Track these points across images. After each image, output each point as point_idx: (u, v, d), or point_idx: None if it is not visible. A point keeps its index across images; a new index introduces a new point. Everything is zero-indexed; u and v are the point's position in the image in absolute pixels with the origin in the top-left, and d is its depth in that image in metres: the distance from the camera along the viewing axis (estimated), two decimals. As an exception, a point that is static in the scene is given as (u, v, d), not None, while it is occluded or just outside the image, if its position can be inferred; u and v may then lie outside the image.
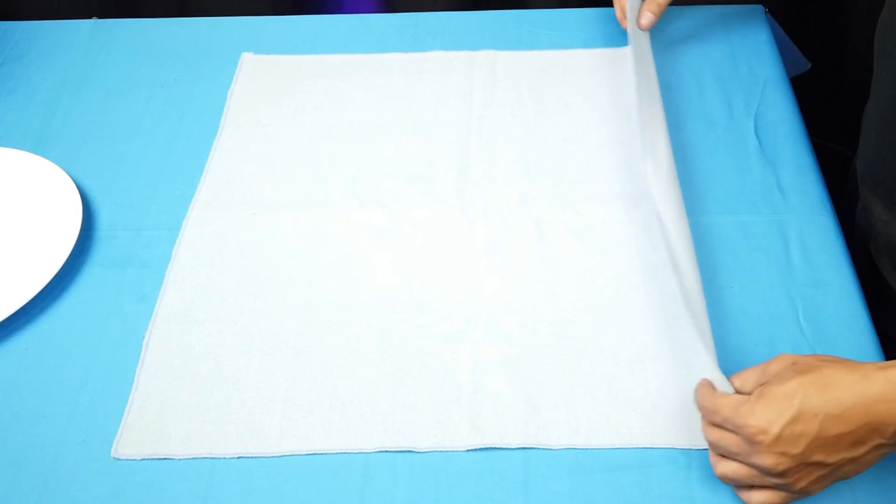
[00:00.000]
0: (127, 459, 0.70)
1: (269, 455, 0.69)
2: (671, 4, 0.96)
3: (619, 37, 1.02)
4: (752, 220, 0.84)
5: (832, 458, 0.59)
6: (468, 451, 0.69)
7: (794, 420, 0.59)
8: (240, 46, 1.05)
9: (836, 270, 0.79)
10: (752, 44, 1.02)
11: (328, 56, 1.03)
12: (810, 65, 1.06)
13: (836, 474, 0.61)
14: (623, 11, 0.97)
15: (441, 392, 0.72)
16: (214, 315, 0.78)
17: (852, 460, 0.60)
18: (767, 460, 0.59)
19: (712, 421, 0.63)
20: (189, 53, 1.05)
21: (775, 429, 0.59)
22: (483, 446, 0.69)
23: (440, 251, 0.82)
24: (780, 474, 0.60)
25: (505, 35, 1.05)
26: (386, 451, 0.69)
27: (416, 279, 0.80)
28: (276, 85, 1.00)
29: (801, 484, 0.60)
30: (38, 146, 0.94)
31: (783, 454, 0.59)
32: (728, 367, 0.73)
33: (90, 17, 1.10)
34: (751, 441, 0.60)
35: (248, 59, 1.03)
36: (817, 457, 0.59)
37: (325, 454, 0.69)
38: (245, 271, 0.82)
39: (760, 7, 1.05)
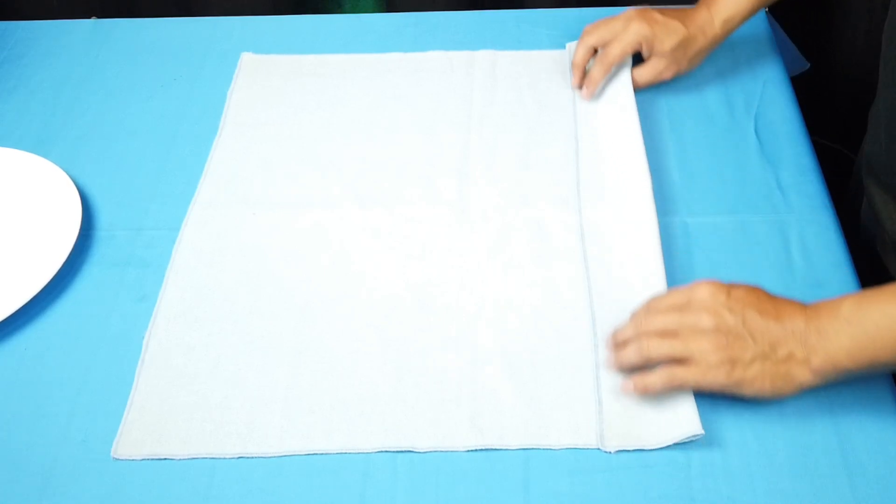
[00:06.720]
0: (127, 459, 0.70)
1: (269, 455, 0.69)
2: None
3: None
4: (752, 220, 0.84)
5: (755, 326, 0.66)
6: (468, 451, 0.69)
7: (735, 286, 0.69)
8: (240, 46, 1.05)
9: (836, 270, 0.79)
10: (752, 44, 1.02)
11: (328, 56, 1.03)
12: (809, 65, 1.06)
13: (741, 357, 0.67)
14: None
15: (441, 392, 0.72)
16: (214, 315, 0.78)
17: (762, 355, 0.66)
18: (703, 291, 0.69)
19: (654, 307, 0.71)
20: (189, 53, 1.05)
21: (724, 288, 0.69)
22: (483, 447, 0.69)
23: (440, 251, 0.82)
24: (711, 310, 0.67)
25: (505, 35, 1.05)
26: (386, 451, 0.69)
27: (417, 279, 0.80)
28: (276, 85, 1.00)
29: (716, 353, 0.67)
30: (38, 146, 0.94)
31: (722, 305, 0.68)
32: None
33: (90, 17, 1.10)
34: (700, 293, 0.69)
35: (247, 58, 1.03)
36: (751, 318, 0.67)
37: (325, 454, 0.69)
38: (245, 271, 0.82)
39: (760, 7, 1.05)
